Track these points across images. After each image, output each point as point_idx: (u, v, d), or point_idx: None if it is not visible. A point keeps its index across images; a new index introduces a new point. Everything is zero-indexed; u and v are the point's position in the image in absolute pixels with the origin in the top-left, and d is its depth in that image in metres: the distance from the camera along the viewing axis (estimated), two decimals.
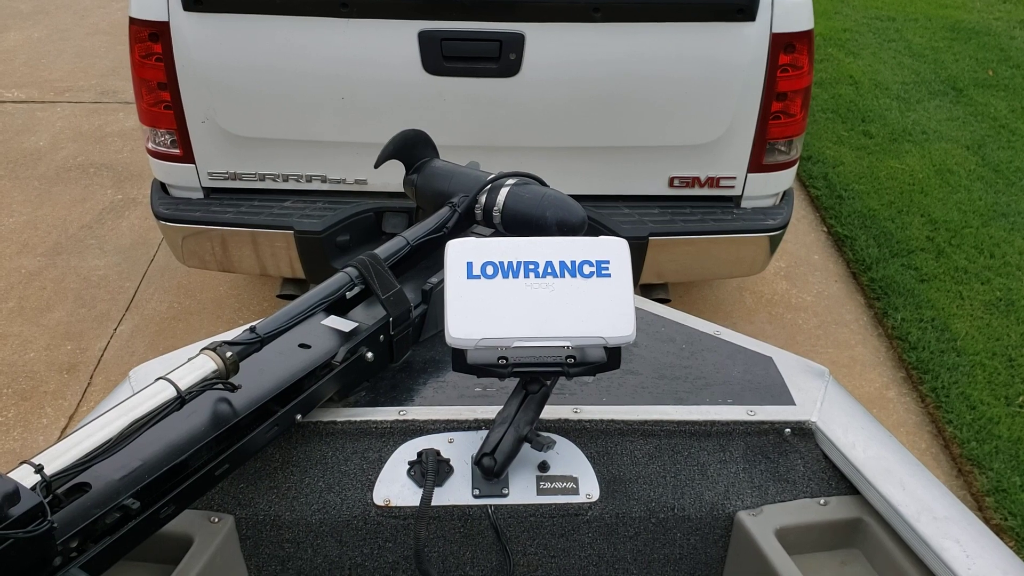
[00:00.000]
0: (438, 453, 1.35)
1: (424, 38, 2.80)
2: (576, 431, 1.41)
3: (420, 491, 1.31)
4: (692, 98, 2.94)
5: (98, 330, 3.80)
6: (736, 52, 2.85)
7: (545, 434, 1.32)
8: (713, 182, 3.11)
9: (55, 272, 4.17)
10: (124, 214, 4.63)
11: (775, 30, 2.82)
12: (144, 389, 1.10)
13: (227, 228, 3.05)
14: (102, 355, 3.66)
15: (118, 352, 3.68)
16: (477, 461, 1.32)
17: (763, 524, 1.34)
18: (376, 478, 1.35)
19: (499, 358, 1.23)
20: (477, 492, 1.33)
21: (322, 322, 1.43)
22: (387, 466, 1.36)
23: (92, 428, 1.04)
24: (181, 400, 1.11)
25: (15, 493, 0.91)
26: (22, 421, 3.34)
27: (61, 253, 4.30)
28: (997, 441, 3.28)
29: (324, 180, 3.10)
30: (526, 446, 1.31)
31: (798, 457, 1.43)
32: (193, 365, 1.15)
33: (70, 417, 3.35)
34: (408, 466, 1.36)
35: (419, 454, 1.35)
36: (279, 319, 1.27)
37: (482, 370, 1.23)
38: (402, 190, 1.80)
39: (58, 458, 1.00)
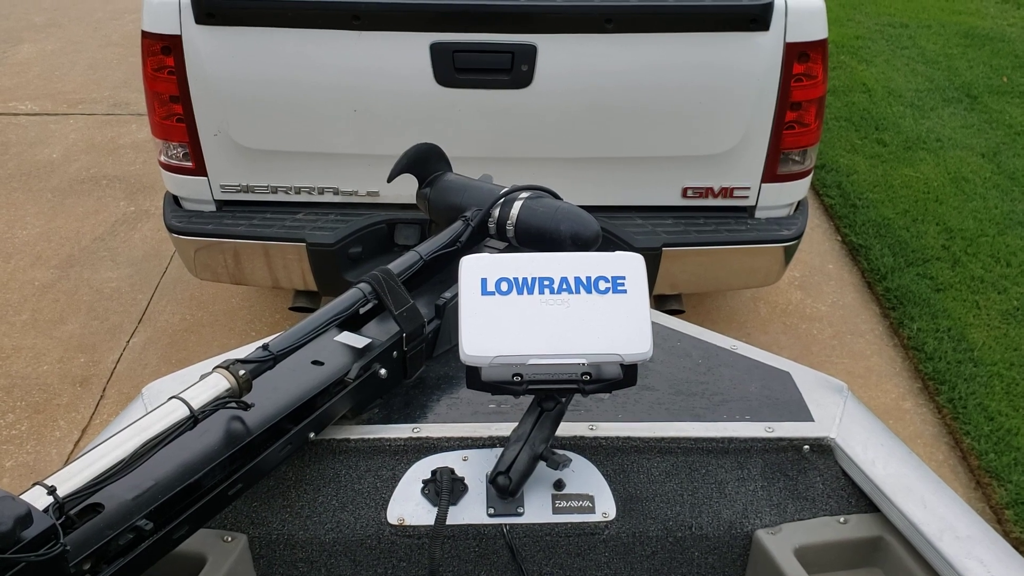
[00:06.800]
0: (452, 471, 1.34)
1: (436, 50, 2.80)
2: (592, 448, 1.40)
3: (434, 510, 1.30)
4: (705, 108, 2.92)
5: (111, 342, 3.81)
6: (750, 62, 2.84)
7: (561, 452, 1.30)
8: (727, 192, 3.09)
9: (68, 284, 4.18)
10: (137, 226, 4.64)
11: (789, 39, 2.81)
12: (157, 408, 1.09)
13: (239, 241, 3.05)
14: (115, 367, 3.67)
15: (131, 365, 3.68)
16: (492, 479, 1.31)
17: (782, 543, 1.32)
18: (390, 496, 1.34)
19: (514, 375, 1.21)
20: (492, 511, 1.32)
21: (335, 338, 1.42)
22: (401, 484, 1.35)
23: (105, 448, 1.03)
24: (194, 419, 1.10)
25: (27, 516, 0.90)
26: (35, 434, 3.34)
27: (74, 265, 4.32)
28: (1016, 453, 3.24)
29: (336, 192, 3.10)
30: (541, 464, 1.30)
31: (817, 474, 1.41)
32: (206, 384, 1.14)
33: (83, 430, 3.36)
34: (422, 484, 1.35)
35: (433, 472, 1.34)
36: (292, 336, 1.26)
37: (497, 387, 1.22)
38: (414, 202, 1.79)
39: (71, 479, 0.99)
